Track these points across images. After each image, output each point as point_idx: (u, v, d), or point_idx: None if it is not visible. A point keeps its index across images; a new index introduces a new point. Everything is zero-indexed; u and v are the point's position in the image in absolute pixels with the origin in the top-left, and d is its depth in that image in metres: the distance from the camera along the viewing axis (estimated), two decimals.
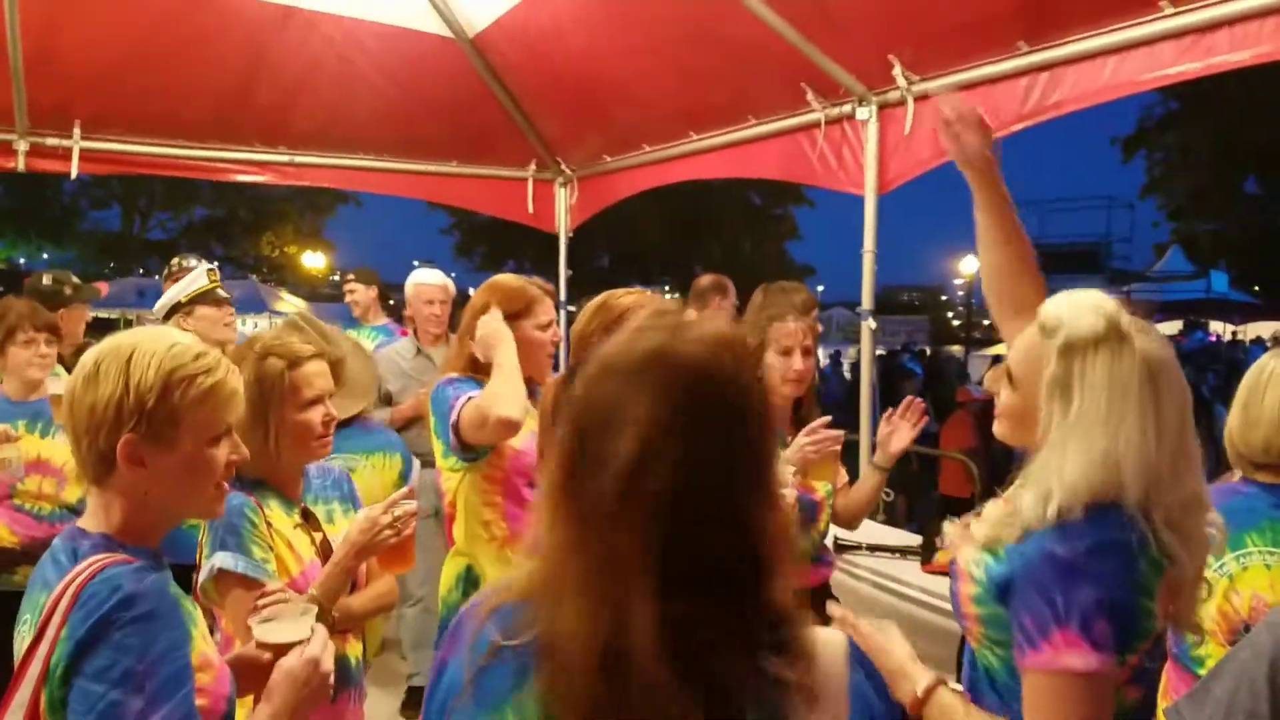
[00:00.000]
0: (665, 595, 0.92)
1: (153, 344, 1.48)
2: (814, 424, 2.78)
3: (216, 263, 5.11)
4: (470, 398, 2.52)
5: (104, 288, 4.76)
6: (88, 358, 1.49)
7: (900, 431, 2.96)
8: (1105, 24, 3.24)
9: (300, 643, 1.60)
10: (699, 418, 0.95)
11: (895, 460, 3.01)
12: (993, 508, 1.66)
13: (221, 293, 3.82)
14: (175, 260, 4.90)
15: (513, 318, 2.74)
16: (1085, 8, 3.25)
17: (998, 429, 1.75)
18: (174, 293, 3.82)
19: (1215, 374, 14.96)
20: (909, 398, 3.05)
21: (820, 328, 4.30)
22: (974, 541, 1.64)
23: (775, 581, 0.97)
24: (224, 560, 2.04)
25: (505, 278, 2.94)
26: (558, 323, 2.95)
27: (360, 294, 5.75)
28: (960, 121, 2.04)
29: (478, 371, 2.68)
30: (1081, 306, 1.55)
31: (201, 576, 2.08)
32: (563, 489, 0.99)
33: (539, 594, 0.99)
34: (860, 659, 1.01)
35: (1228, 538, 1.92)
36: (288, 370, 2.21)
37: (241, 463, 1.59)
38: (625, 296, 2.42)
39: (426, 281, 4.76)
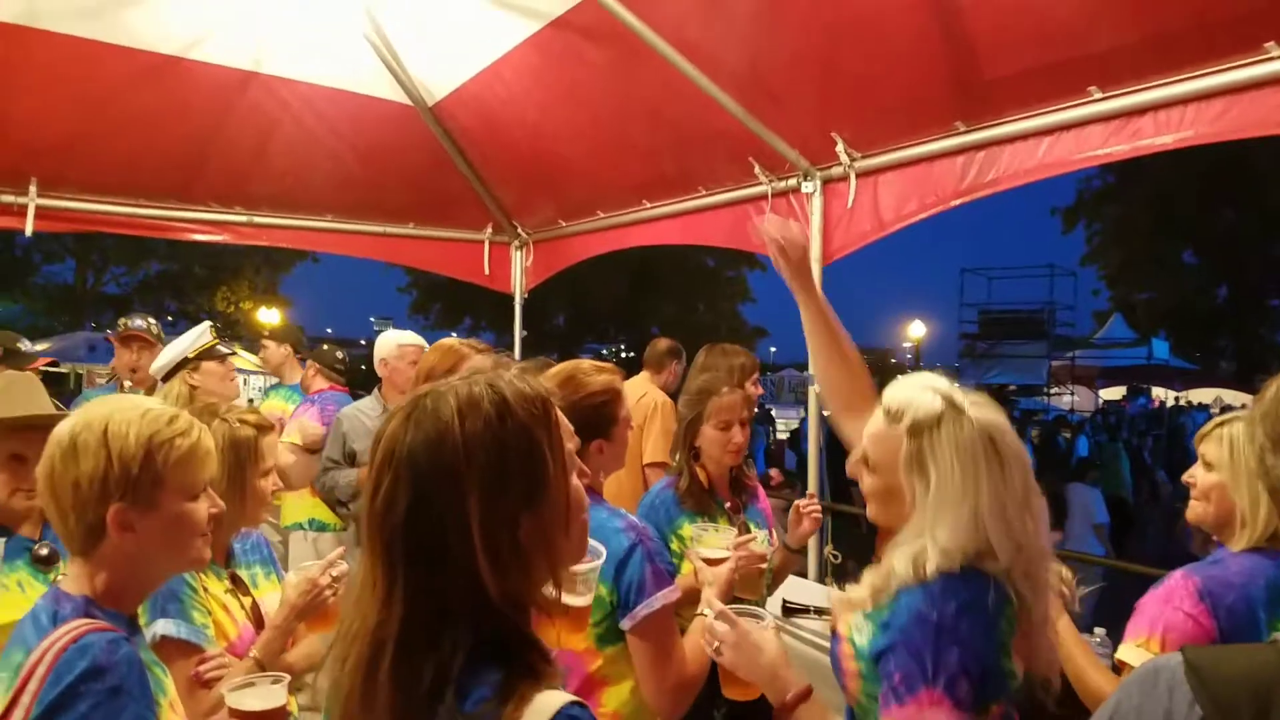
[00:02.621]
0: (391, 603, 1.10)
1: (126, 414, 1.52)
2: (739, 540, 2.60)
3: (166, 317, 5.13)
4: None
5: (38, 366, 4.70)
6: (62, 434, 1.51)
7: (806, 520, 3.03)
8: (1038, 106, 3.42)
9: (275, 710, 1.63)
10: (422, 468, 1.11)
11: (804, 542, 3.08)
12: (870, 574, 1.75)
13: (223, 349, 3.86)
14: (122, 321, 4.97)
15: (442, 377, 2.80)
16: (1019, 91, 3.43)
17: (870, 512, 1.86)
18: (178, 349, 3.86)
19: (1156, 438, 15.34)
20: (798, 502, 3.08)
21: (760, 390, 4.37)
22: (853, 606, 1.74)
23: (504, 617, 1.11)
24: (165, 627, 2.04)
25: (445, 341, 2.99)
26: None
27: (270, 350, 5.72)
28: (786, 241, 2.26)
29: None
30: (918, 389, 1.74)
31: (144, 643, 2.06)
32: None
33: None
34: None
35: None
36: (258, 437, 2.29)
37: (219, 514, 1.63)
38: (596, 375, 2.34)
39: (411, 342, 4.79)
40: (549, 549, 1.15)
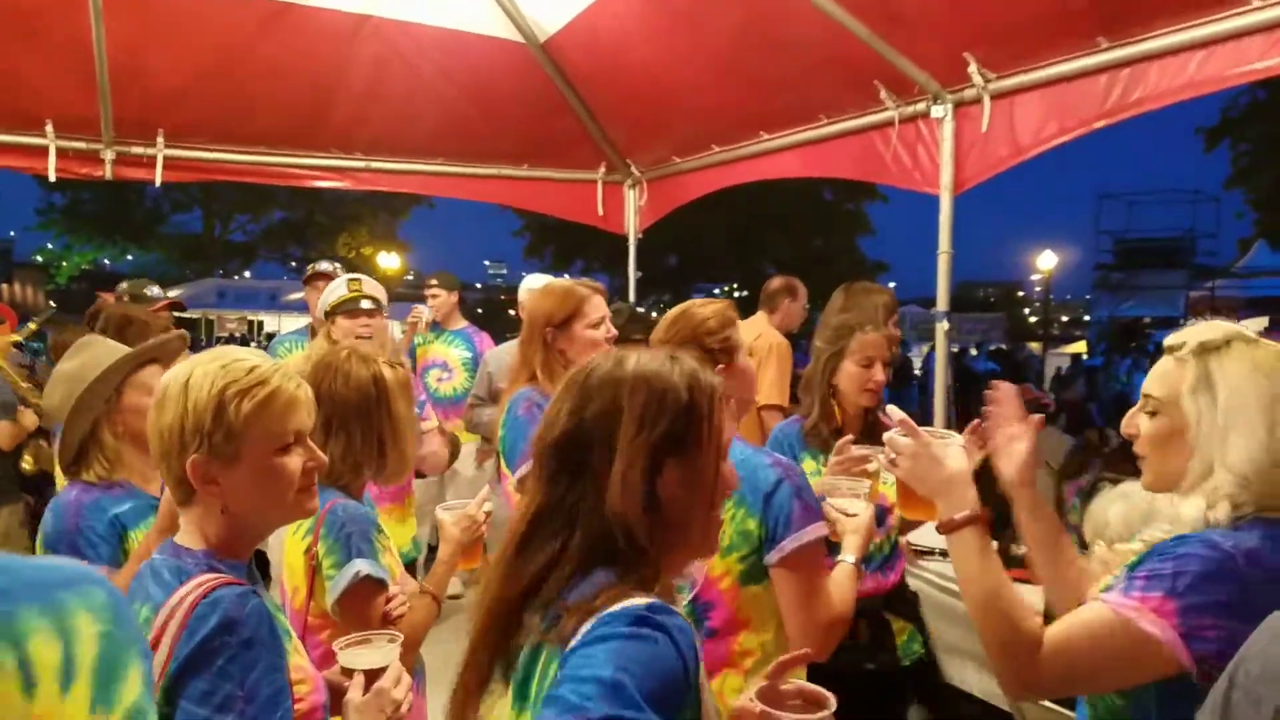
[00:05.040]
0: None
1: (208, 364, 1.50)
2: (840, 443, 2.58)
3: (321, 266, 5.27)
4: None
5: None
6: (160, 384, 1.53)
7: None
8: (1190, 18, 3.15)
9: (385, 669, 1.66)
10: (590, 391, 1.27)
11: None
12: (1134, 523, 1.64)
13: (365, 303, 3.78)
14: (310, 266, 5.28)
15: (565, 322, 2.82)
16: (1168, 1, 3.15)
17: (1145, 478, 1.65)
18: (320, 303, 3.95)
19: None
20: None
21: (899, 333, 4.23)
22: (1114, 564, 1.58)
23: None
24: (365, 566, 2.07)
25: (555, 283, 2.99)
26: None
27: (441, 299, 5.89)
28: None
29: (550, 381, 2.71)
30: (1203, 324, 1.60)
31: (343, 583, 2.06)
32: None
33: None
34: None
35: None
36: (397, 369, 2.33)
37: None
38: (705, 307, 2.31)
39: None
40: (685, 511, 1.25)
